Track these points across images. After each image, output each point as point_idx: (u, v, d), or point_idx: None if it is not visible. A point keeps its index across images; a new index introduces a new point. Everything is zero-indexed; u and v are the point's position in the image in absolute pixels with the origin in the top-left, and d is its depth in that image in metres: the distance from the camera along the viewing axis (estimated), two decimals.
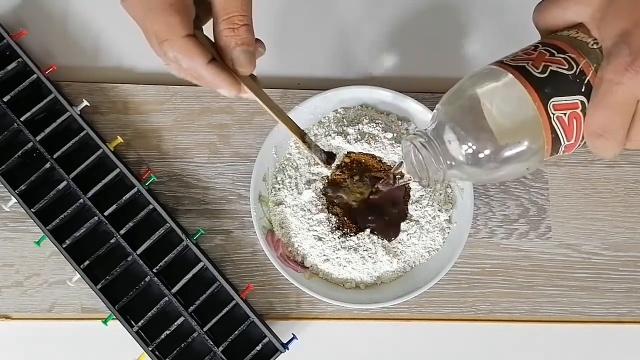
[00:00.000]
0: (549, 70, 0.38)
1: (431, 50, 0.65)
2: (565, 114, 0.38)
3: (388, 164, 0.57)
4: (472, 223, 0.57)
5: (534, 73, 0.38)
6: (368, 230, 0.56)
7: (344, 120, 0.57)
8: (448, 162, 0.41)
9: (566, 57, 0.38)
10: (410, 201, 0.56)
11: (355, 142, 0.56)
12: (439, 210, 0.56)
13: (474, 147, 0.39)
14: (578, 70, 0.38)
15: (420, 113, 0.58)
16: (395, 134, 0.57)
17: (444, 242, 0.57)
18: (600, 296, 0.60)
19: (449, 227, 0.57)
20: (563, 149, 0.39)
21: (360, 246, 0.55)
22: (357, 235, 0.55)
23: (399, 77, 0.64)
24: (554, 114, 0.38)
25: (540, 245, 0.60)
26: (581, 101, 0.38)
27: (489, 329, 0.59)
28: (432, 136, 0.41)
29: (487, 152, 0.38)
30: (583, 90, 0.38)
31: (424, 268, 0.57)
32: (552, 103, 0.37)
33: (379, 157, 0.57)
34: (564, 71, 0.38)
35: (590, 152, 0.61)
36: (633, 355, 0.60)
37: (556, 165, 0.62)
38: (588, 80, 0.38)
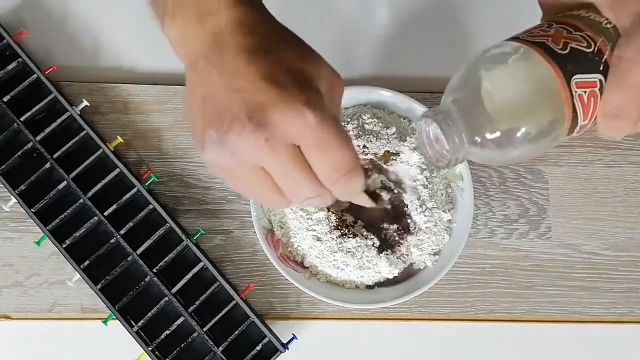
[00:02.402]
0: (569, 47, 0.37)
1: (431, 50, 0.65)
2: (585, 92, 0.36)
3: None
4: (472, 223, 0.57)
5: (556, 49, 0.36)
6: (369, 235, 0.55)
7: (345, 117, 0.57)
8: (472, 139, 0.38)
9: (583, 35, 0.37)
10: (413, 206, 0.56)
11: (356, 138, 0.56)
12: (442, 211, 0.56)
13: (493, 125, 0.37)
14: (596, 48, 0.37)
15: (420, 113, 0.57)
16: (397, 127, 0.56)
17: (444, 242, 0.57)
18: (600, 296, 0.60)
19: (449, 227, 0.57)
20: (578, 129, 0.38)
21: (358, 251, 0.55)
22: (356, 238, 0.55)
23: (399, 77, 0.64)
24: (575, 92, 0.36)
25: (540, 245, 0.60)
26: (599, 80, 0.37)
27: (489, 329, 0.59)
28: (453, 112, 0.38)
29: (505, 130, 0.37)
30: (601, 69, 0.37)
31: (424, 268, 0.56)
32: (575, 81, 0.36)
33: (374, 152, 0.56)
34: (584, 49, 0.37)
35: (590, 151, 0.62)
36: (633, 355, 0.60)
37: (556, 165, 0.62)
38: (605, 59, 0.37)
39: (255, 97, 0.34)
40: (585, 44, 0.37)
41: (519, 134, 0.37)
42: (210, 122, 0.35)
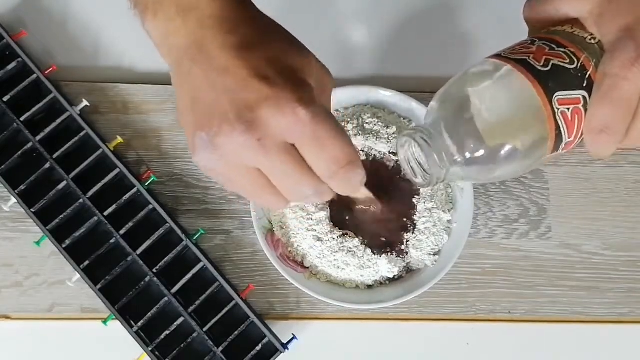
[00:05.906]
0: (551, 64, 0.37)
1: (431, 50, 0.65)
2: (568, 109, 0.37)
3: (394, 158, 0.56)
4: (473, 223, 0.57)
5: (537, 67, 0.37)
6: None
7: (344, 117, 0.57)
8: (453, 159, 0.38)
9: (566, 51, 0.37)
10: (415, 207, 0.56)
11: (356, 136, 0.55)
12: (442, 211, 0.56)
13: (475, 144, 0.37)
14: (579, 64, 0.37)
15: (420, 113, 0.57)
16: (397, 127, 0.56)
17: (444, 242, 0.57)
18: (600, 296, 0.60)
19: (449, 228, 0.57)
20: (563, 146, 0.38)
21: (359, 250, 0.55)
22: (357, 238, 0.55)
23: (399, 77, 0.64)
24: (558, 109, 0.36)
25: (540, 245, 0.60)
26: (583, 96, 0.37)
27: (489, 329, 0.59)
28: (434, 131, 0.38)
29: (488, 149, 0.37)
30: (585, 85, 0.37)
31: (424, 268, 0.56)
32: (557, 98, 0.36)
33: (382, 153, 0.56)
34: (566, 65, 0.37)
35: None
36: (633, 355, 0.60)
37: (556, 165, 0.62)
38: (589, 75, 0.37)
39: (243, 95, 0.33)
40: (567, 61, 0.37)
41: (502, 153, 0.37)
42: (200, 125, 0.34)
